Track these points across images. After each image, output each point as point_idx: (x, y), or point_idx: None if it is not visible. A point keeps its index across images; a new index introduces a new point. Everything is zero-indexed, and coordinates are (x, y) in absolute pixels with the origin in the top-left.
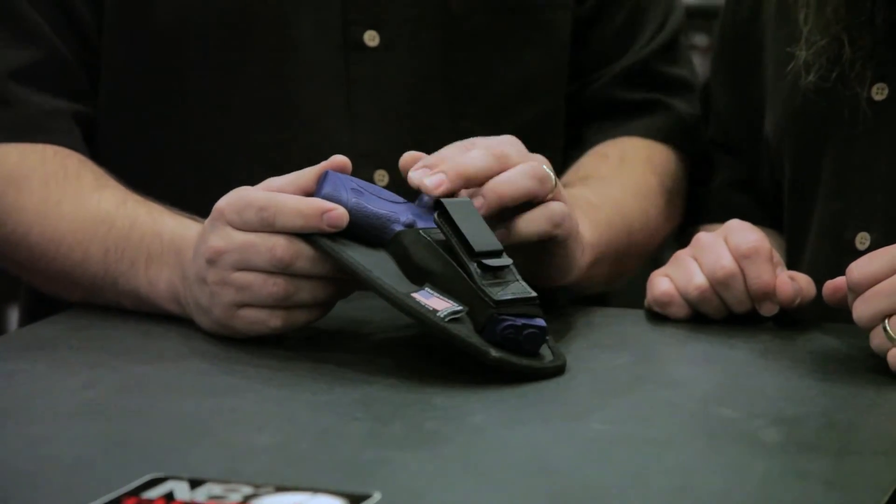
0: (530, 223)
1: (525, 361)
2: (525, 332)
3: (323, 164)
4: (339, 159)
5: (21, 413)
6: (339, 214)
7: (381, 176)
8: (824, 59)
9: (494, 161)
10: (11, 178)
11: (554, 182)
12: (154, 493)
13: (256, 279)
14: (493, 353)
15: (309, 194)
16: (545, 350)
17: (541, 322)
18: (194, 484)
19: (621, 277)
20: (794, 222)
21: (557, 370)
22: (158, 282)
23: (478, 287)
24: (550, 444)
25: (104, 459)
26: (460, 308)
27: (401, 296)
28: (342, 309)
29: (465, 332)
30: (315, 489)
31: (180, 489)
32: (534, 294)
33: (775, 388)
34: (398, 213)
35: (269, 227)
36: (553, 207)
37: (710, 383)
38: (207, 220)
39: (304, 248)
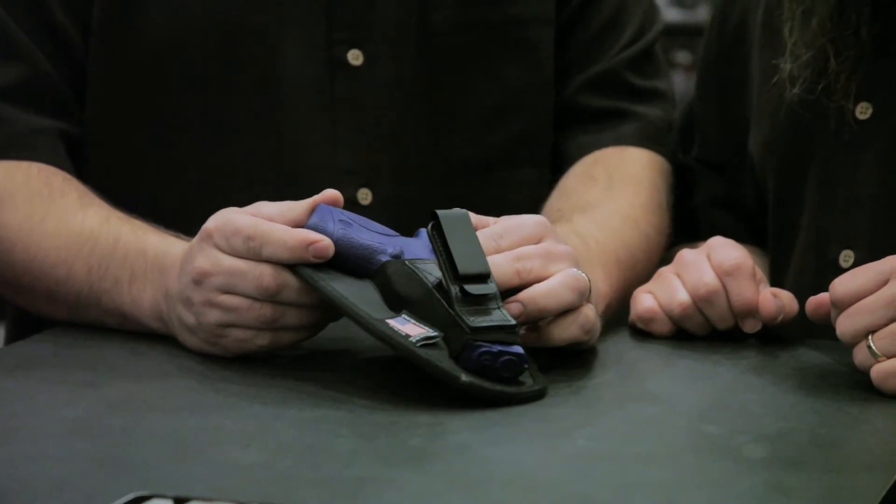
0: (563, 331)
1: (498, 387)
2: (501, 358)
3: (316, 198)
4: (331, 193)
5: (4, 433)
6: (325, 246)
7: (365, 194)
8: (809, 72)
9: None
10: None
11: (590, 291)
12: None
13: (242, 303)
14: (464, 377)
15: (300, 226)
16: (525, 377)
17: (518, 349)
18: (179, 501)
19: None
20: (778, 239)
21: (534, 396)
22: (142, 300)
23: (455, 313)
24: (535, 460)
25: (88, 478)
26: (434, 334)
27: (373, 321)
28: (328, 329)
29: (437, 356)
30: None
31: None
32: (513, 322)
33: (759, 404)
34: (385, 244)
35: (255, 256)
36: (586, 314)
37: (695, 400)
38: (195, 240)
39: (290, 279)
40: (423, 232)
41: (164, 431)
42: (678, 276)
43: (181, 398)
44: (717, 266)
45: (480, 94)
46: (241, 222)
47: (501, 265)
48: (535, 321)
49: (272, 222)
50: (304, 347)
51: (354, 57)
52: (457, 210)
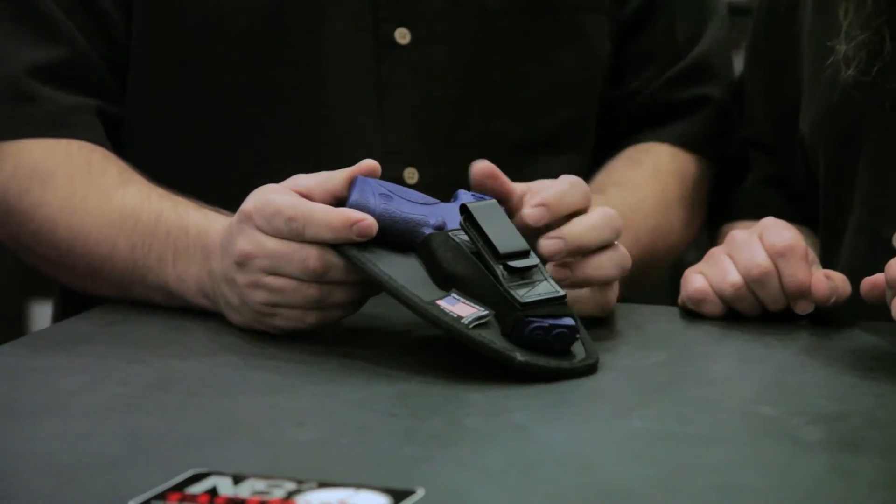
0: (600, 269)
1: (553, 363)
2: (553, 332)
3: (353, 168)
4: (369, 163)
5: (59, 409)
6: (369, 225)
7: (412, 174)
8: (864, 54)
9: (583, 198)
10: (36, 174)
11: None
12: (197, 488)
13: (289, 284)
14: (519, 356)
15: (338, 197)
16: (577, 348)
17: (569, 321)
18: (237, 479)
19: (636, 289)
20: (829, 219)
21: (588, 369)
22: (187, 277)
23: (504, 290)
24: (592, 441)
25: (145, 455)
26: (486, 312)
27: (424, 304)
28: (374, 304)
29: (491, 336)
30: (358, 485)
31: (224, 485)
32: (562, 293)
33: (814, 385)
34: (428, 215)
35: (298, 237)
36: (623, 252)
37: (749, 381)
38: (234, 220)
39: (335, 259)
40: (461, 193)
41: (217, 409)
42: (730, 256)
43: (232, 375)
44: (769, 247)
45: (531, 79)
46: (282, 202)
47: (573, 189)
48: (573, 256)
49: (313, 202)
50: (352, 324)
51: (402, 36)
52: (486, 201)
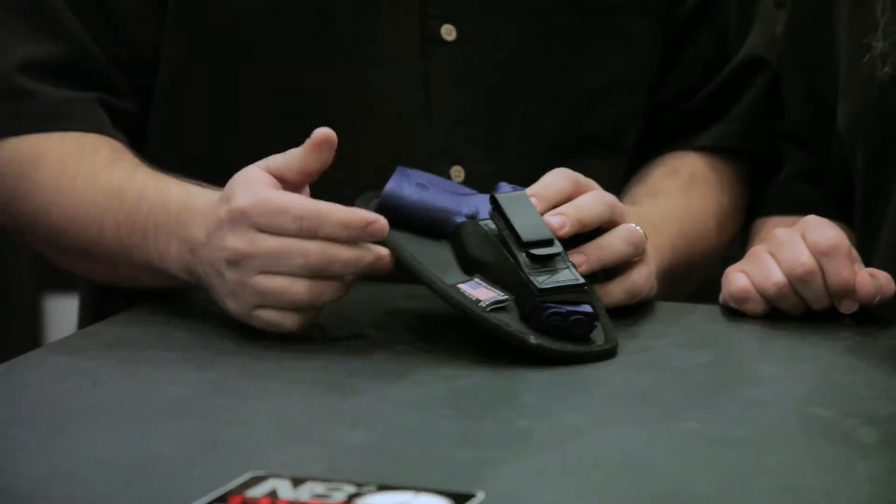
0: (609, 247)
1: (568, 347)
2: (571, 318)
3: (309, 140)
4: (322, 133)
5: (112, 410)
6: (382, 227)
7: (458, 172)
8: None
9: (607, 211)
10: (29, 158)
11: (645, 245)
12: (257, 491)
13: (278, 284)
14: (533, 339)
15: (310, 174)
16: (597, 335)
17: (587, 308)
18: (296, 482)
19: (674, 294)
20: (866, 215)
21: (604, 354)
22: (168, 253)
23: (525, 276)
24: (647, 444)
25: (201, 458)
26: (505, 297)
27: (445, 286)
28: (415, 303)
29: (507, 320)
30: (418, 488)
31: (283, 487)
32: (581, 281)
33: (866, 386)
34: (461, 205)
35: (309, 236)
36: (631, 228)
37: (799, 382)
38: (224, 217)
39: (337, 253)
40: (501, 186)
41: (268, 411)
42: (772, 255)
43: (280, 377)
44: (813, 246)
45: (577, 78)
46: (286, 200)
47: (593, 204)
48: (578, 230)
49: (318, 200)
50: (393, 322)
51: (448, 32)
52: (515, 192)
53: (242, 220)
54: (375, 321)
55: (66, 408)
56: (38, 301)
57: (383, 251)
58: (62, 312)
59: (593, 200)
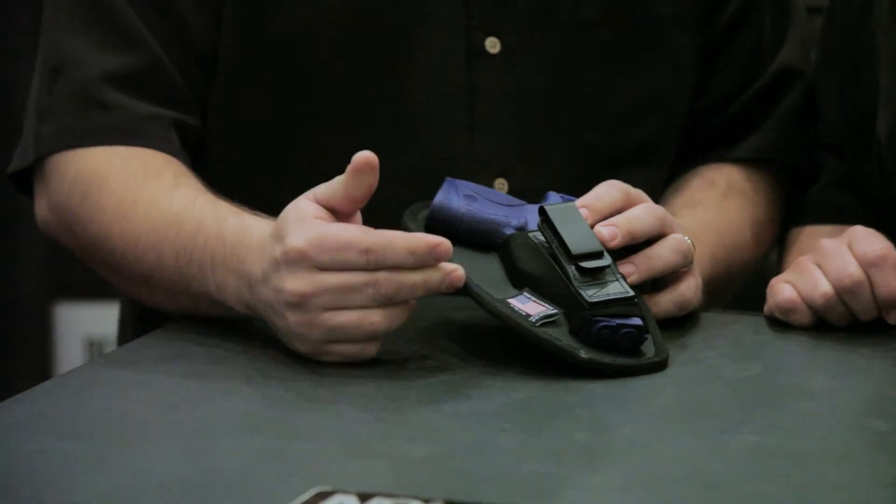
0: (659, 256)
1: (619, 360)
2: (621, 331)
3: (350, 166)
4: (362, 157)
5: (168, 426)
6: (446, 249)
7: (501, 184)
8: None
9: (657, 223)
10: (94, 178)
11: (693, 256)
12: None
13: (351, 319)
14: (583, 354)
15: (358, 201)
16: (647, 347)
17: (637, 321)
18: (363, 498)
19: (713, 304)
20: None
21: (655, 366)
22: (226, 287)
23: (574, 289)
24: (709, 457)
25: (263, 473)
26: (555, 311)
27: (494, 302)
28: (458, 314)
29: (557, 335)
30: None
31: (350, 503)
32: (631, 293)
33: None
34: (510, 216)
35: (376, 267)
36: (679, 238)
37: (854, 394)
38: (279, 258)
39: (404, 279)
40: (550, 195)
41: (325, 425)
42: (819, 266)
43: (333, 390)
44: (860, 257)
45: (621, 90)
46: (348, 235)
47: (644, 216)
48: (628, 243)
49: (380, 230)
50: (446, 336)
51: (492, 45)
52: (565, 203)
53: (302, 260)
54: (423, 334)
55: (123, 422)
56: (47, 308)
57: (451, 267)
58: (71, 320)
59: (644, 213)
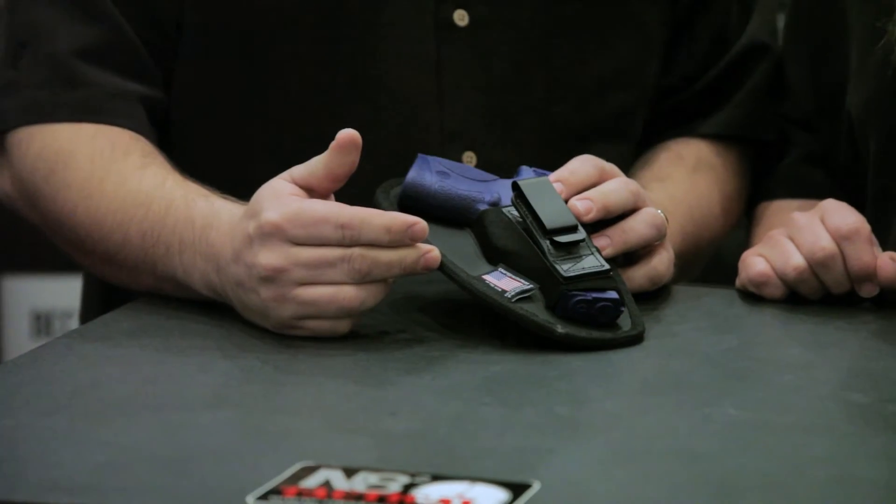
0: (633, 230)
1: (595, 334)
2: (597, 305)
3: (334, 143)
4: (346, 134)
5: (147, 398)
6: (422, 228)
7: (470, 157)
8: None
9: (631, 198)
10: (60, 155)
11: (667, 229)
12: (311, 482)
13: (324, 294)
14: (560, 328)
15: (338, 179)
16: (624, 320)
17: (613, 294)
18: (348, 473)
19: (681, 278)
20: (879, 199)
21: (631, 340)
22: (193, 270)
23: (549, 264)
24: (691, 431)
25: (247, 448)
26: (530, 286)
27: (470, 279)
28: (432, 289)
29: (534, 310)
30: (472, 478)
31: (336, 478)
32: (607, 267)
33: None
34: (483, 192)
35: (351, 243)
36: (653, 212)
37: (831, 366)
38: (252, 233)
39: (379, 256)
40: (523, 170)
41: (306, 400)
42: (791, 239)
43: (310, 365)
44: (833, 230)
45: (589, 65)
46: (324, 210)
47: (618, 190)
48: (603, 216)
49: (355, 206)
50: (420, 309)
51: (460, 17)
52: (538, 178)
53: (276, 233)
54: (397, 307)
55: (101, 397)
56: None
57: (427, 248)
58: (18, 294)
59: (618, 187)
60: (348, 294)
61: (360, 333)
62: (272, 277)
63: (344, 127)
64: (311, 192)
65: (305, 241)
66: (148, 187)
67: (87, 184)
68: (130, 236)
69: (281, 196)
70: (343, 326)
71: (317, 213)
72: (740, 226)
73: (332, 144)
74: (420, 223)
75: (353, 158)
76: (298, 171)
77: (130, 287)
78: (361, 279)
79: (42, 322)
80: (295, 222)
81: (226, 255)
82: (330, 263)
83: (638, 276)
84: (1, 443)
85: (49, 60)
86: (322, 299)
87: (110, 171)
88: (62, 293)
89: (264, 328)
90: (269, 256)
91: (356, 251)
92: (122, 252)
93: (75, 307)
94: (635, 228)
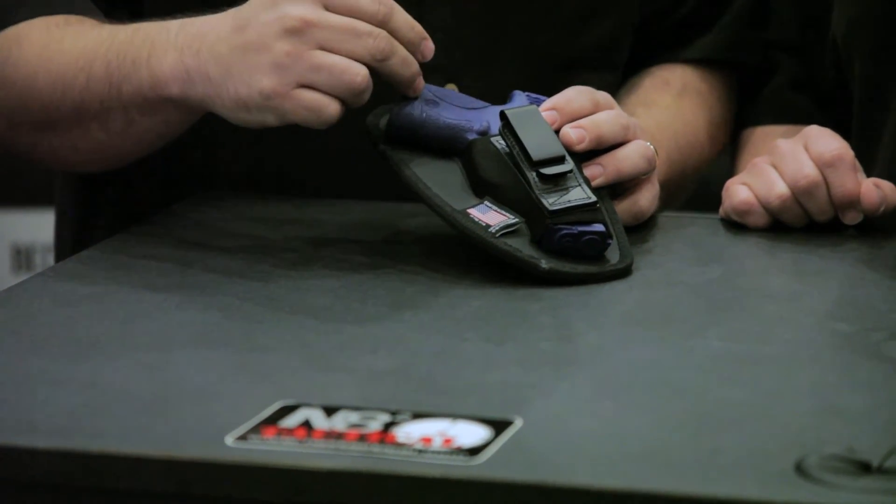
0: (628, 159)
1: (581, 268)
2: (583, 238)
3: None
4: None
5: (126, 338)
6: (431, 48)
7: (452, 89)
8: None
9: (623, 131)
10: (12, 41)
11: (656, 163)
12: (291, 421)
13: (338, 62)
14: (544, 264)
15: None
16: (611, 253)
17: (599, 227)
18: (329, 411)
19: (667, 206)
20: (865, 123)
21: (620, 273)
22: (161, 67)
23: (535, 197)
24: (676, 364)
25: (226, 387)
26: (515, 220)
27: (454, 213)
28: (418, 228)
29: (518, 245)
30: (454, 415)
31: (316, 417)
32: (594, 199)
33: (882, 300)
34: (472, 121)
35: (382, 21)
36: (645, 144)
37: (815, 296)
38: None
39: (398, 48)
40: (516, 95)
41: (286, 337)
42: (774, 167)
43: (289, 300)
44: (817, 157)
45: None
46: None
47: (611, 121)
48: (596, 146)
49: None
50: (403, 243)
51: None
52: (526, 107)
53: None
54: (376, 242)
55: (78, 336)
56: None
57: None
58: None
59: (611, 118)
60: (360, 70)
61: (339, 269)
62: (300, 30)
63: None
64: None
65: (339, 8)
66: (111, 28)
67: (45, 51)
68: (95, 71)
69: None
70: (332, 109)
71: None
72: (726, 152)
73: None
74: (430, 44)
75: None
76: None
77: (95, 163)
78: (378, 61)
79: (23, 257)
80: None
81: (224, 25)
82: (357, 34)
83: (620, 210)
84: None
85: None
86: (335, 67)
87: (67, 32)
88: (42, 227)
89: (243, 265)
90: (299, 9)
91: (383, 32)
92: (88, 96)
93: None
94: (630, 157)
